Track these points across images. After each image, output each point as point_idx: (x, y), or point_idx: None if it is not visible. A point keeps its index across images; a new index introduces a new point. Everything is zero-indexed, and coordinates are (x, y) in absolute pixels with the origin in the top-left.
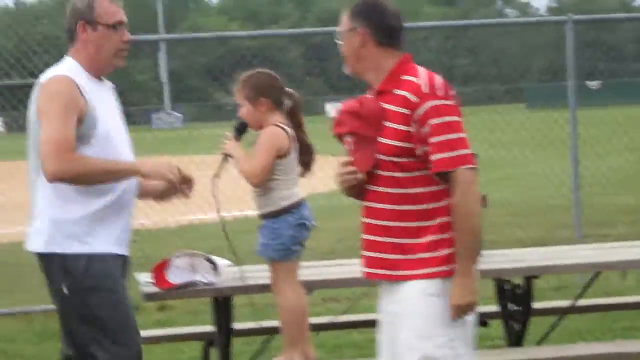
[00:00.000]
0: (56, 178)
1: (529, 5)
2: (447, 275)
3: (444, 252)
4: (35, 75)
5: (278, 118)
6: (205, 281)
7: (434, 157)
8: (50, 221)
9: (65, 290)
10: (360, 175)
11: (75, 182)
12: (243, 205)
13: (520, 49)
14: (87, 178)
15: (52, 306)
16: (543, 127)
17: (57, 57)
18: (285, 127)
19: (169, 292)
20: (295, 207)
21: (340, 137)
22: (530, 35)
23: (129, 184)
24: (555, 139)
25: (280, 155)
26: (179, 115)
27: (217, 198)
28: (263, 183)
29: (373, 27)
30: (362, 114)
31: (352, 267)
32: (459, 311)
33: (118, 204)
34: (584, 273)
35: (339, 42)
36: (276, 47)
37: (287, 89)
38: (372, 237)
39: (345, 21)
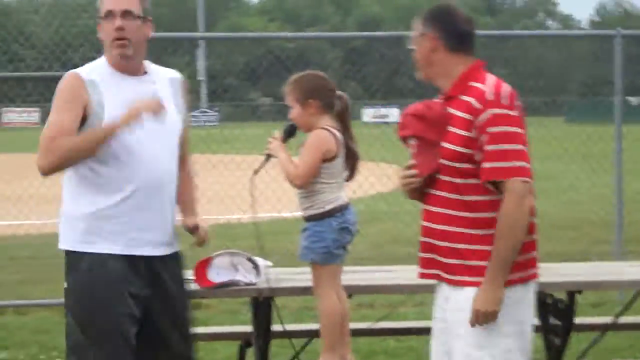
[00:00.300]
0: (45, 172)
1: (571, 17)
2: (505, 285)
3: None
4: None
5: (327, 121)
6: (246, 281)
7: (484, 165)
8: (64, 218)
9: (65, 286)
10: (420, 179)
11: (64, 165)
12: (281, 206)
13: (560, 61)
14: (71, 155)
15: None
16: (587, 141)
17: (93, 51)
18: (334, 131)
19: (209, 291)
20: (339, 211)
21: (404, 140)
22: (571, 48)
23: (144, 184)
24: (598, 154)
25: (327, 159)
26: (214, 113)
27: (253, 196)
28: (307, 185)
29: (444, 32)
30: (427, 118)
31: (390, 274)
32: (479, 318)
33: (129, 204)
34: (627, 290)
35: (411, 47)
36: (315, 50)
37: (337, 91)
38: (430, 240)
39: (417, 26)
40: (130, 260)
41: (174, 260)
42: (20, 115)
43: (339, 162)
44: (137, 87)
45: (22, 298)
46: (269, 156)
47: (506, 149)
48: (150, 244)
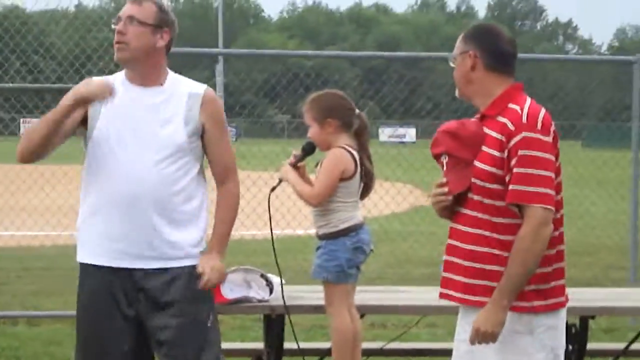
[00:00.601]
0: (18, 156)
1: (590, 42)
2: (528, 311)
3: (528, 287)
4: None
5: (345, 140)
6: (259, 297)
7: (511, 187)
8: None
9: None
10: (450, 197)
11: (32, 146)
12: (296, 224)
13: (579, 86)
14: (34, 133)
15: None
16: (603, 166)
17: (112, 64)
18: (352, 150)
19: (222, 307)
20: (353, 230)
21: (436, 157)
22: (590, 73)
23: (119, 195)
24: (615, 180)
25: (344, 178)
26: (232, 129)
27: (270, 214)
28: (322, 204)
29: (485, 51)
30: (460, 135)
31: (403, 294)
32: (477, 336)
33: (105, 214)
34: (639, 316)
35: (452, 64)
36: (333, 68)
37: (355, 110)
38: (454, 259)
39: (458, 44)
40: (112, 272)
41: (166, 275)
42: None
43: (356, 181)
44: (139, 98)
45: (35, 309)
46: (280, 181)
47: (532, 173)
48: (128, 256)
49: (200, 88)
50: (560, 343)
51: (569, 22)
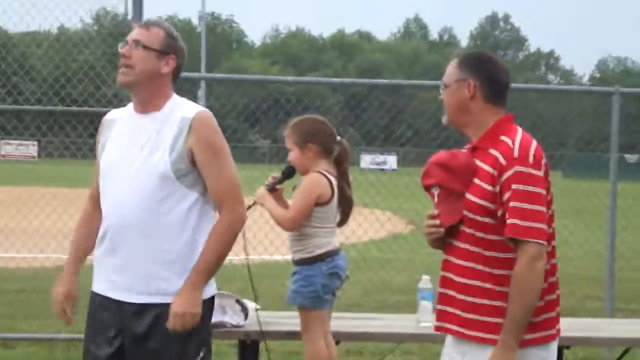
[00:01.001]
0: None
1: (572, 73)
2: (522, 345)
3: (536, 319)
4: (70, 102)
5: (324, 165)
6: (233, 323)
7: (508, 221)
8: None
9: None
10: (442, 229)
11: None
12: (273, 249)
13: (560, 116)
14: None
15: (77, 335)
16: (581, 196)
17: (92, 87)
18: (329, 176)
19: None
20: (329, 256)
21: (426, 188)
22: (571, 104)
23: (113, 224)
24: (592, 210)
25: (320, 203)
26: None
27: (245, 239)
28: (298, 229)
29: (484, 81)
30: (451, 167)
31: (380, 322)
32: None
33: (104, 244)
34: (615, 347)
35: (442, 90)
36: (315, 94)
37: (337, 136)
38: (447, 292)
39: (453, 71)
40: (108, 301)
41: (152, 311)
42: (17, 148)
43: (333, 207)
44: (137, 125)
45: (10, 331)
46: (254, 203)
47: (525, 208)
48: (118, 288)
49: (192, 111)
50: None
51: (551, 53)
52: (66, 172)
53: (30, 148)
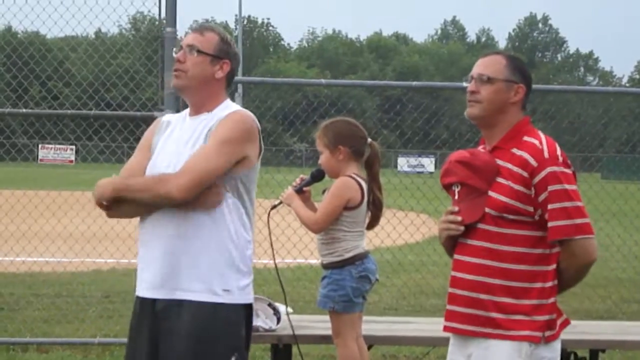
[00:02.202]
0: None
1: (611, 74)
2: (539, 341)
3: (541, 318)
4: (105, 107)
5: (354, 168)
6: (266, 327)
7: (550, 224)
8: None
9: None
10: (462, 227)
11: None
12: (308, 253)
13: (599, 117)
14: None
15: (110, 339)
16: (618, 198)
17: (127, 90)
18: (359, 179)
19: None
20: (359, 259)
21: (446, 187)
22: (609, 105)
23: (150, 222)
24: (630, 212)
25: (350, 207)
26: None
27: (272, 242)
28: (327, 232)
29: (527, 88)
30: (473, 165)
31: (415, 325)
32: None
33: (140, 242)
34: None
35: (480, 83)
36: (352, 97)
37: (368, 139)
38: (463, 292)
39: (501, 69)
40: (140, 302)
41: (181, 308)
42: (54, 152)
43: (362, 210)
44: (187, 127)
45: (45, 336)
46: (280, 202)
47: (567, 206)
48: (152, 286)
49: (228, 111)
50: None
51: (590, 54)
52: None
53: (67, 152)
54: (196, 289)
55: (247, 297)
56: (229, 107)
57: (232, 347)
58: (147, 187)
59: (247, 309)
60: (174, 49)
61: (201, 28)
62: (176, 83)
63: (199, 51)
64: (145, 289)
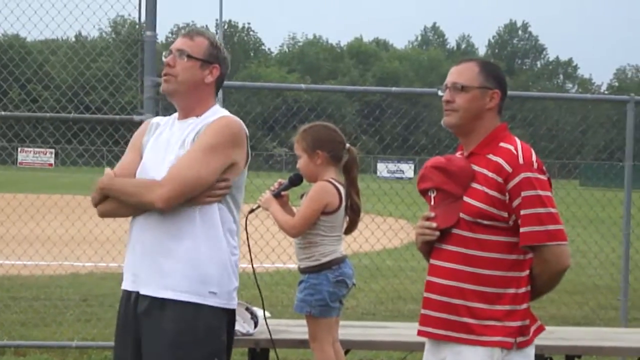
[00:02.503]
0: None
1: (590, 81)
2: (511, 347)
3: (514, 323)
4: (84, 110)
5: (332, 173)
6: (243, 331)
7: (522, 229)
8: None
9: None
10: (438, 232)
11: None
12: (286, 258)
13: (577, 125)
14: None
15: (87, 342)
16: (596, 205)
17: (113, 93)
18: (337, 184)
19: None
20: (336, 264)
21: (423, 192)
22: (588, 112)
23: (140, 218)
24: (607, 219)
25: (328, 212)
26: None
27: (247, 235)
28: (304, 237)
29: (503, 94)
30: (449, 171)
31: (393, 330)
32: None
33: (129, 237)
34: (627, 357)
35: (455, 92)
36: (332, 102)
37: (346, 144)
38: (437, 297)
39: (474, 76)
40: (126, 297)
41: (161, 307)
42: (33, 156)
43: (340, 215)
44: (175, 131)
45: (22, 339)
46: (258, 206)
47: (540, 212)
48: (138, 279)
49: (216, 116)
50: None
51: (569, 61)
52: (81, 180)
53: (47, 155)
54: (182, 289)
55: (231, 302)
56: (217, 112)
57: (212, 352)
58: (133, 192)
59: (230, 314)
60: (164, 53)
61: (191, 32)
62: (166, 87)
63: (189, 56)
64: (131, 282)
